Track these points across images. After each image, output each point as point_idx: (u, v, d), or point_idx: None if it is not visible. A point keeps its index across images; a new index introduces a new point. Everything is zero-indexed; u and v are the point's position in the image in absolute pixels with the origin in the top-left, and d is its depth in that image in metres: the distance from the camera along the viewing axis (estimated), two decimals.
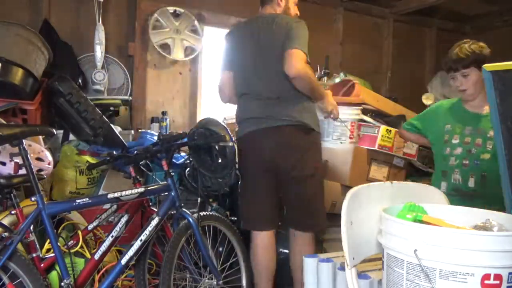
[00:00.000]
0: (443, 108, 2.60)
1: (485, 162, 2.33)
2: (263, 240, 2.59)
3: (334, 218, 2.23)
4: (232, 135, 2.51)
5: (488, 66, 1.55)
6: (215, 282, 2.40)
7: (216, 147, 2.41)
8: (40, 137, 2.60)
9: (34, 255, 1.98)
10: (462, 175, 2.38)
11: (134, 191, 2.21)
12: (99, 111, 2.90)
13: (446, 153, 2.47)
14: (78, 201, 2.03)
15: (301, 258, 2.26)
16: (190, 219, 2.32)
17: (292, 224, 2.62)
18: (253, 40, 2.60)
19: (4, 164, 2.21)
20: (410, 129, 2.77)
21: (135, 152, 2.54)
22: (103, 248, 2.15)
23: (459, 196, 2.35)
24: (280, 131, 2.50)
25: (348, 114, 3.05)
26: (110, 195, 2.13)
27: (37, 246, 2.00)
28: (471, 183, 2.35)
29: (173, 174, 2.39)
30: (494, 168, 2.23)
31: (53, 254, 1.98)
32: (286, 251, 2.88)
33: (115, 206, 2.34)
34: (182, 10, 4.04)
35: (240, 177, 2.60)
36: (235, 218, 3.05)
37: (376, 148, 3.28)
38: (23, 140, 1.91)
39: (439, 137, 2.52)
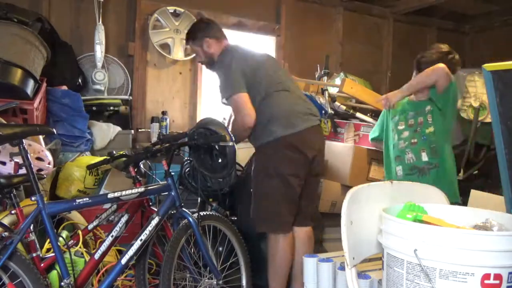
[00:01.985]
0: (392, 109, 2.90)
1: (431, 135, 2.66)
2: (291, 240, 2.60)
3: (334, 218, 2.24)
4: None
5: (488, 66, 1.55)
6: (215, 282, 2.40)
7: (216, 147, 2.41)
8: (40, 137, 2.61)
9: (34, 254, 1.98)
10: (414, 152, 2.68)
11: (134, 190, 2.21)
12: None
13: (395, 140, 2.79)
14: (78, 200, 2.03)
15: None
16: (190, 219, 2.31)
17: (304, 219, 2.68)
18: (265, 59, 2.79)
19: (4, 163, 2.21)
20: (375, 139, 3.07)
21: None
22: (103, 248, 2.14)
23: (417, 172, 2.65)
24: (320, 129, 2.73)
25: None
26: (110, 195, 2.13)
27: (37, 245, 2.00)
28: (424, 157, 2.65)
29: (173, 174, 2.39)
30: (440, 138, 2.65)
31: (53, 254, 1.98)
32: None
33: (115, 206, 2.34)
34: (182, 10, 4.04)
35: (276, 176, 2.53)
36: (235, 218, 3.05)
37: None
38: (23, 140, 1.91)
39: (389, 131, 2.85)
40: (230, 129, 2.67)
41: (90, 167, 2.65)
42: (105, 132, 3.39)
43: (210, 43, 2.77)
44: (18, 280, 1.81)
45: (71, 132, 3.14)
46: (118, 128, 3.47)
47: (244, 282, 2.59)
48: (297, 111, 2.60)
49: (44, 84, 3.02)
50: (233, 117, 2.71)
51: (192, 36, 2.85)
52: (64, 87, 3.30)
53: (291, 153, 2.53)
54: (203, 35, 2.78)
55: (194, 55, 4.07)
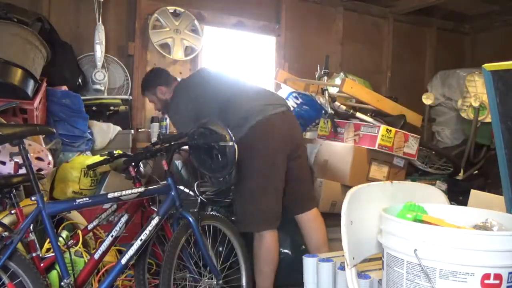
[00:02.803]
0: None
1: None
2: (276, 237, 2.64)
3: (334, 218, 2.23)
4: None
5: (488, 66, 1.55)
6: (215, 282, 2.40)
7: (216, 146, 2.41)
8: (40, 137, 2.61)
9: (34, 254, 1.98)
10: None
11: (134, 190, 2.21)
12: None
13: None
14: (78, 200, 2.03)
15: (322, 233, 2.69)
16: (190, 219, 2.31)
17: (301, 205, 2.76)
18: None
19: (4, 163, 2.21)
20: None
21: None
22: (102, 247, 2.14)
23: None
24: (285, 115, 2.74)
25: None
26: (110, 195, 2.12)
27: (37, 245, 2.00)
28: None
29: (173, 173, 2.39)
30: None
31: (53, 254, 1.98)
32: (286, 251, 2.88)
33: (115, 206, 2.34)
34: (182, 10, 4.04)
35: (250, 172, 2.56)
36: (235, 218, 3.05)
37: (376, 147, 3.28)
38: (23, 140, 1.91)
39: None
40: None
41: (90, 167, 2.65)
42: (105, 132, 3.39)
43: (162, 90, 2.92)
44: (18, 280, 1.81)
45: (72, 132, 3.14)
46: (118, 128, 3.47)
47: (244, 282, 2.58)
48: (250, 109, 2.65)
49: (44, 84, 3.02)
50: None
51: (146, 86, 2.99)
52: (64, 87, 3.30)
53: (259, 149, 2.59)
54: (155, 84, 2.93)
55: (194, 55, 4.09)
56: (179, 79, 3.02)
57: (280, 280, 2.76)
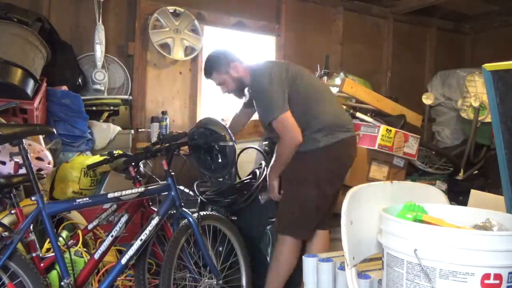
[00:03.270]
0: None
1: None
2: (299, 244, 2.61)
3: (334, 218, 2.23)
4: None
5: (488, 66, 1.55)
6: (215, 282, 2.40)
7: (216, 146, 2.41)
8: (40, 137, 2.60)
9: (34, 254, 1.98)
10: None
11: (134, 190, 2.21)
12: None
13: None
14: (78, 200, 2.03)
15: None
16: (190, 219, 2.31)
17: (327, 221, 2.69)
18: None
19: (4, 163, 2.21)
20: None
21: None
22: (102, 247, 2.14)
23: None
24: (356, 140, 2.72)
25: None
26: (110, 195, 2.13)
27: (37, 245, 2.00)
28: None
29: (173, 173, 2.38)
30: None
31: (53, 254, 1.98)
32: None
33: (115, 206, 2.34)
34: (182, 10, 4.03)
35: (314, 186, 2.51)
36: (235, 218, 3.05)
37: (376, 147, 3.28)
38: (23, 140, 1.91)
39: None
40: (278, 151, 2.60)
41: (90, 167, 2.65)
42: (105, 132, 3.39)
43: (237, 67, 2.65)
44: (18, 280, 1.81)
45: (72, 132, 3.13)
46: (118, 128, 3.47)
47: (244, 282, 2.59)
48: (338, 121, 2.57)
49: (44, 84, 3.02)
50: (280, 139, 2.55)
51: (214, 66, 2.68)
52: (64, 87, 3.30)
53: (332, 164, 2.53)
54: (228, 61, 2.64)
55: (194, 55, 4.09)
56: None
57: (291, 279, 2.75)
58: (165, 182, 2.37)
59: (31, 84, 2.80)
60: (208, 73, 2.70)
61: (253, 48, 4.54)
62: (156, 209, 2.33)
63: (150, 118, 3.92)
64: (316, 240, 2.69)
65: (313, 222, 2.59)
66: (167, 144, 2.42)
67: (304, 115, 2.50)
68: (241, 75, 2.65)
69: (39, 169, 2.36)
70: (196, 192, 2.99)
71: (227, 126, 2.55)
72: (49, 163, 2.43)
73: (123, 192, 2.15)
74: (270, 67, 2.61)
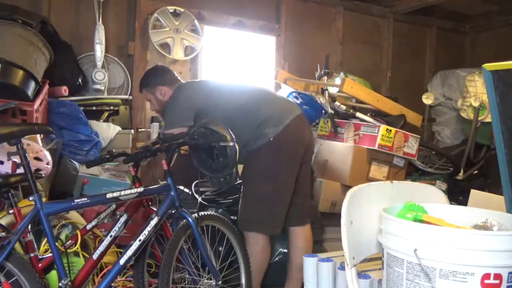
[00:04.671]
0: None
1: None
2: (269, 239, 2.63)
3: (334, 217, 2.23)
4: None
5: (488, 66, 1.55)
6: (214, 282, 2.39)
7: (217, 146, 2.40)
8: (39, 137, 2.59)
9: (32, 255, 1.97)
10: None
11: (134, 190, 2.20)
12: None
13: None
14: (76, 201, 2.02)
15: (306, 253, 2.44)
16: (190, 219, 2.31)
17: (301, 218, 2.69)
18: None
19: (2, 163, 2.21)
20: None
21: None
22: (101, 248, 2.13)
23: None
24: (304, 118, 2.71)
25: None
26: (109, 195, 2.11)
27: (35, 246, 1.99)
28: None
29: (172, 173, 2.38)
30: None
31: (50, 254, 1.97)
32: (286, 250, 2.88)
33: (114, 206, 2.33)
34: (182, 10, 4.03)
35: (273, 179, 2.52)
36: (235, 218, 3.05)
37: (376, 147, 3.28)
38: (22, 139, 1.90)
39: None
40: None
41: (89, 165, 2.64)
42: (105, 132, 3.38)
43: (163, 91, 2.75)
44: (14, 278, 1.80)
45: (77, 137, 3.13)
46: (118, 128, 3.47)
47: (243, 281, 2.58)
48: (281, 108, 2.64)
49: (46, 86, 3.01)
50: None
51: (145, 82, 2.81)
52: (64, 87, 3.30)
53: (285, 151, 2.54)
54: (156, 83, 2.75)
55: (194, 55, 4.09)
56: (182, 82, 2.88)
57: (279, 279, 2.76)
58: (165, 182, 2.36)
59: (32, 85, 2.79)
60: (140, 87, 2.86)
61: (253, 48, 4.54)
62: (155, 209, 2.32)
63: (150, 118, 3.92)
64: (295, 237, 2.70)
65: (282, 214, 2.58)
66: (167, 144, 2.41)
67: (247, 113, 2.59)
68: (164, 99, 2.75)
69: (38, 169, 2.35)
70: (194, 193, 2.98)
71: None
72: (47, 163, 2.43)
73: (122, 192, 2.14)
74: (184, 87, 2.74)
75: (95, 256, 2.10)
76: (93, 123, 3.37)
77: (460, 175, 4.15)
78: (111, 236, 2.17)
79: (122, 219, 2.23)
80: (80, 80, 3.54)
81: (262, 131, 2.54)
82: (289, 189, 2.59)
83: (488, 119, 4.07)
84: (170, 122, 2.65)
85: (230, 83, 2.91)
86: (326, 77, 4.09)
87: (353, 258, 1.51)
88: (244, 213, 2.64)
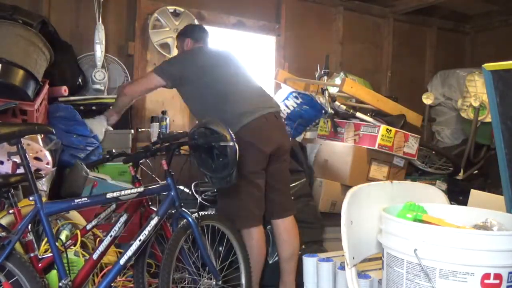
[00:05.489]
0: None
1: None
2: (263, 232, 2.70)
3: (334, 217, 2.23)
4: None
5: (488, 66, 1.55)
6: (214, 282, 2.39)
7: (217, 146, 2.40)
8: (39, 137, 2.59)
9: (32, 254, 1.97)
10: None
11: (134, 190, 2.20)
12: None
13: None
14: (76, 200, 2.02)
15: (294, 244, 2.71)
16: (190, 219, 2.31)
17: (279, 211, 2.77)
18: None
19: (2, 163, 2.21)
20: None
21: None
22: (101, 247, 2.13)
23: None
24: (275, 119, 2.76)
25: None
26: (109, 195, 2.11)
27: (35, 245, 1.99)
28: None
29: (172, 173, 2.38)
30: None
31: (51, 254, 1.97)
32: None
33: (114, 206, 2.33)
34: (182, 10, 4.03)
35: (239, 176, 2.54)
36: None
37: (376, 147, 3.28)
38: (22, 139, 1.90)
39: None
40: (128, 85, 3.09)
41: (89, 166, 2.65)
42: (97, 126, 3.36)
43: (187, 43, 3.01)
44: (14, 278, 1.80)
45: (76, 139, 3.13)
46: (110, 129, 3.46)
47: (243, 280, 2.58)
48: (245, 107, 2.68)
49: (46, 86, 3.01)
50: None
51: (180, 32, 3.12)
52: (64, 87, 3.30)
53: (247, 151, 2.56)
54: (186, 35, 3.03)
55: None
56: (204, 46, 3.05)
57: (278, 278, 2.76)
58: (165, 182, 2.36)
59: (32, 85, 2.79)
60: (177, 35, 3.19)
61: (253, 48, 4.54)
62: (155, 209, 2.32)
63: (150, 118, 3.91)
64: (276, 230, 2.78)
65: (254, 207, 2.66)
66: (167, 144, 2.42)
67: (216, 109, 2.66)
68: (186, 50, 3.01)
69: (38, 169, 2.35)
70: (194, 193, 2.98)
71: None
72: (48, 163, 2.43)
73: (122, 192, 2.14)
74: (192, 50, 2.98)
75: (95, 256, 2.11)
76: (86, 121, 3.34)
77: (460, 175, 4.15)
78: (111, 236, 2.17)
79: (122, 219, 2.23)
80: (80, 80, 3.54)
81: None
82: (257, 186, 2.66)
83: (488, 119, 4.07)
84: (158, 67, 2.90)
85: (227, 64, 2.91)
86: (326, 77, 4.09)
87: (353, 258, 1.51)
88: (221, 211, 2.76)
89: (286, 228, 2.77)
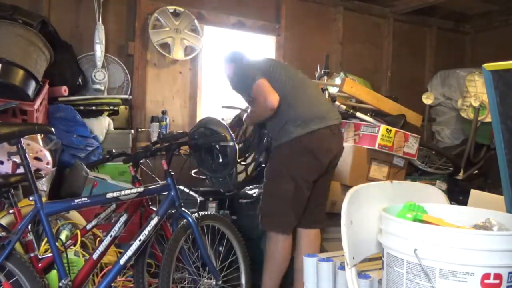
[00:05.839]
0: None
1: None
2: (290, 241, 2.62)
3: (334, 217, 2.23)
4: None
5: (488, 66, 1.54)
6: (214, 282, 2.39)
7: (217, 146, 2.41)
8: (39, 137, 2.60)
9: (32, 254, 1.97)
10: None
11: (134, 190, 2.20)
12: None
13: None
14: (76, 200, 2.02)
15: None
16: (190, 219, 2.31)
17: (308, 222, 2.67)
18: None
19: (2, 163, 2.21)
20: None
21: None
22: (101, 247, 2.13)
23: None
24: (338, 130, 2.65)
25: None
26: (109, 195, 2.11)
27: (35, 245, 1.99)
28: None
29: (172, 173, 2.38)
30: None
31: (51, 254, 1.97)
32: None
33: (114, 206, 2.33)
34: (182, 10, 4.03)
35: (288, 178, 2.51)
36: (235, 218, 3.05)
37: (376, 147, 3.28)
38: (22, 139, 1.90)
39: None
40: (250, 113, 2.73)
41: (89, 166, 2.65)
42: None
43: (228, 68, 2.80)
44: (14, 278, 1.80)
45: (76, 140, 3.14)
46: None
47: (243, 280, 2.58)
48: (313, 112, 2.56)
49: (46, 86, 3.01)
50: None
51: (224, 59, 2.88)
52: (64, 87, 3.30)
53: (305, 158, 2.51)
54: (227, 61, 2.82)
55: (194, 54, 4.09)
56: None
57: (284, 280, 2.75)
58: (165, 182, 2.36)
59: (32, 85, 2.80)
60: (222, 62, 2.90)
61: (253, 48, 4.54)
62: (155, 209, 2.32)
63: (150, 118, 3.92)
64: (299, 239, 2.69)
65: (292, 214, 2.56)
66: (167, 144, 2.42)
67: (281, 106, 2.51)
68: (228, 74, 2.80)
69: (38, 169, 2.35)
70: (194, 193, 2.98)
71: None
72: (47, 163, 2.43)
73: (122, 192, 2.15)
74: (247, 58, 2.77)
75: (95, 256, 2.11)
76: (86, 121, 3.35)
77: (460, 175, 4.15)
78: (111, 236, 2.17)
79: (122, 219, 2.23)
80: (80, 80, 3.54)
81: (287, 129, 2.52)
82: (303, 192, 2.56)
83: (488, 119, 4.07)
84: (245, 82, 2.60)
85: (286, 66, 2.84)
86: (326, 77, 4.09)
87: (353, 258, 1.51)
88: (259, 209, 2.65)
89: (309, 241, 2.69)
